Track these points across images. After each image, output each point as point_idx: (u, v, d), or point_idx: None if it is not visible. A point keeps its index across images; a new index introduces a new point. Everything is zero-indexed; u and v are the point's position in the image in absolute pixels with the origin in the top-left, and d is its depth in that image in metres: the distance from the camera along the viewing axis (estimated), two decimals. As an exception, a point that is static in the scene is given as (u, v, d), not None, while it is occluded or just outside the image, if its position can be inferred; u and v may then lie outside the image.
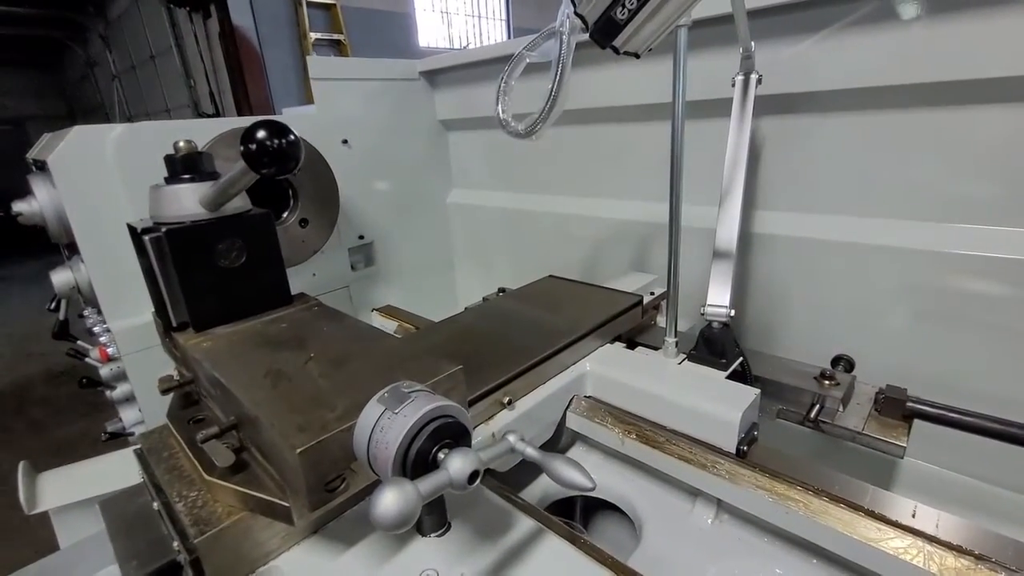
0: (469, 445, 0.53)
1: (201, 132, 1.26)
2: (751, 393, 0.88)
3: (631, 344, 1.19)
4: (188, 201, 0.74)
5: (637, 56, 0.69)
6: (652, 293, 1.43)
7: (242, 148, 0.63)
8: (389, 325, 1.64)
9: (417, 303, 1.95)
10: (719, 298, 1.00)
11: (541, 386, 0.96)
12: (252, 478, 0.60)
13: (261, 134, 0.62)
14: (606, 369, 1.02)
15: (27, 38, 8.70)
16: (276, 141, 0.62)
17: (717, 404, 0.86)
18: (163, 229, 0.72)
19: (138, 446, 0.72)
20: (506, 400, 0.87)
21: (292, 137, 0.64)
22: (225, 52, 5.62)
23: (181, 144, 0.78)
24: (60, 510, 0.83)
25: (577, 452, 1.06)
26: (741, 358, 1.02)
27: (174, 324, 0.77)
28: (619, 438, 0.92)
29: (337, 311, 0.85)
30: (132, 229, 0.79)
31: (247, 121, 1.40)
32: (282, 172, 0.65)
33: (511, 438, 0.55)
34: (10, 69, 9.65)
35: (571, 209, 1.74)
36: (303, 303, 0.88)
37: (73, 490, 0.84)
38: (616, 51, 0.67)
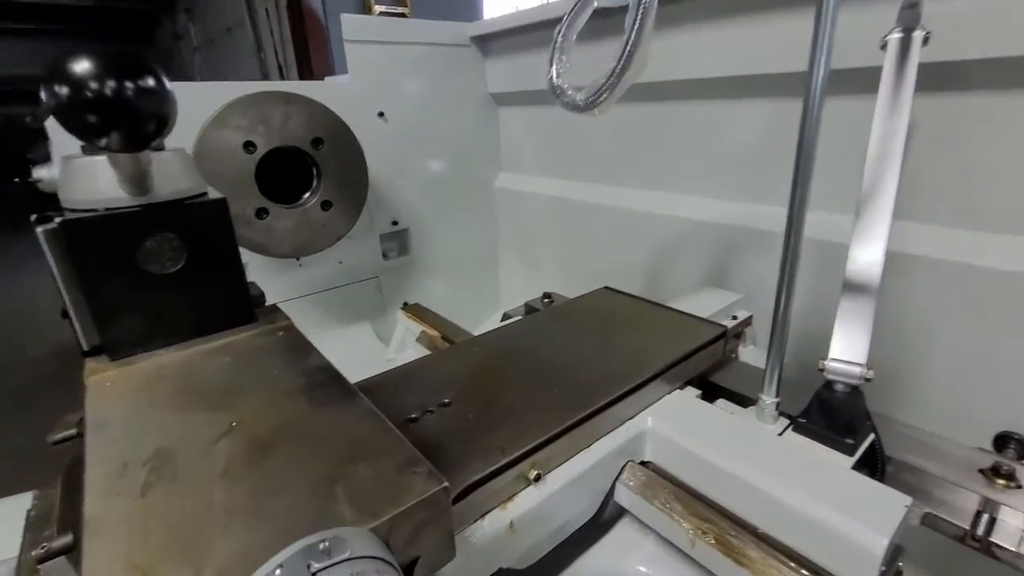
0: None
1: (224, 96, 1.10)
2: (900, 503, 0.59)
3: (706, 388, 0.92)
4: (103, 179, 0.53)
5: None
6: (734, 317, 1.14)
7: (43, 89, 0.38)
8: (413, 328, 1.43)
9: (453, 300, 1.74)
10: (851, 350, 0.69)
11: (585, 450, 0.71)
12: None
13: (82, 68, 0.36)
14: (674, 431, 0.75)
15: (122, 10, 9.15)
16: (105, 84, 0.36)
17: (847, 515, 0.58)
18: (56, 219, 0.52)
19: (31, 507, 0.54)
20: (533, 475, 0.63)
21: (150, 82, 0.37)
22: (292, 24, 5.61)
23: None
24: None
25: (626, 530, 0.80)
26: (873, 436, 0.72)
27: (84, 347, 0.58)
28: (689, 537, 0.66)
29: (306, 343, 0.62)
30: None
31: (264, 86, 1.23)
32: (136, 143, 0.39)
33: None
34: (106, 41, 10.25)
35: (636, 204, 1.46)
36: (269, 323, 0.66)
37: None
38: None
